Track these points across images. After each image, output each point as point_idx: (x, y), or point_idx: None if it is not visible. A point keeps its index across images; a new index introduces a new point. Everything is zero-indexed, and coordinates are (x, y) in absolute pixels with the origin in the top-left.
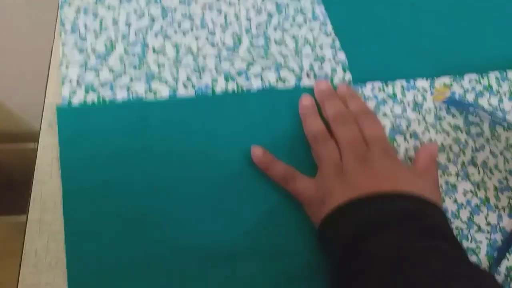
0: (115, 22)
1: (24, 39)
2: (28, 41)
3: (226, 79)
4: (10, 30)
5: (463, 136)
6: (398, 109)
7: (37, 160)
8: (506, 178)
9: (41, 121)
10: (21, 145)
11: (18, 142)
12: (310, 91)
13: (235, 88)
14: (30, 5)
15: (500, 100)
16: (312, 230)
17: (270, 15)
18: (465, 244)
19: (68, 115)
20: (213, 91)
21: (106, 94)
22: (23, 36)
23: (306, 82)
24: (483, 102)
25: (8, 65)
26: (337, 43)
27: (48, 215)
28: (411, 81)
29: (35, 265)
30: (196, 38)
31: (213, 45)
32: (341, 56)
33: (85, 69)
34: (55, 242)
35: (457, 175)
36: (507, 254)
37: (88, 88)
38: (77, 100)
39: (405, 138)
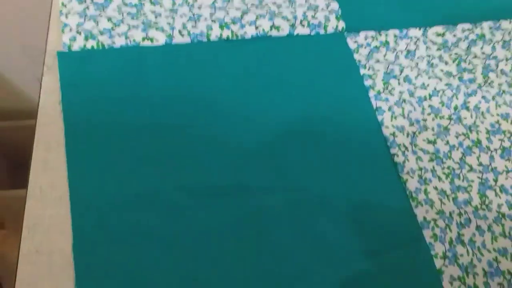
0: None
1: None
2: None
3: (221, 27)
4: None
5: (455, 82)
6: (391, 56)
7: (39, 104)
8: (498, 122)
9: (43, 68)
10: (22, 122)
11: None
12: (305, 39)
13: (230, 35)
14: None
15: (493, 48)
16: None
17: None
18: (457, 182)
19: (69, 59)
20: (208, 38)
21: (105, 41)
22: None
23: (300, 30)
24: (476, 50)
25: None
26: None
27: (52, 154)
28: (404, 30)
29: (40, 199)
30: None
31: None
32: (334, 5)
33: (85, 19)
34: (58, 179)
35: (450, 118)
36: (498, 192)
37: (88, 36)
38: (77, 46)
39: (399, 83)
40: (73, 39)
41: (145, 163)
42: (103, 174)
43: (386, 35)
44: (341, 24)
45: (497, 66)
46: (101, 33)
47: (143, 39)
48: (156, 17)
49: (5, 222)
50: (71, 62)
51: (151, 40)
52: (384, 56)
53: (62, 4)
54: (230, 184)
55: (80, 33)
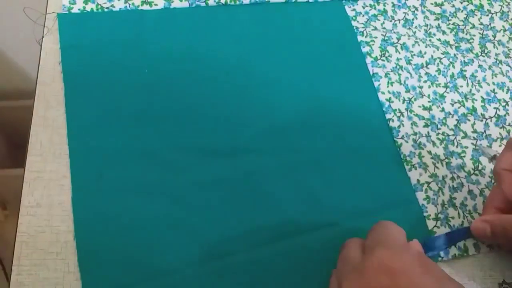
0: None
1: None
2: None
3: None
4: None
5: (452, 51)
6: (389, 25)
7: (40, 64)
8: (494, 91)
9: (43, 29)
10: (22, 102)
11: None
12: (303, 5)
13: (228, 0)
14: None
15: (491, 19)
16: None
17: None
18: (451, 148)
19: (68, 21)
20: (206, 3)
21: (105, 4)
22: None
23: None
24: (474, 21)
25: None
26: None
27: (52, 112)
28: (402, 0)
29: (40, 154)
30: None
31: None
32: None
33: None
34: (58, 136)
35: (446, 86)
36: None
37: None
38: (76, 9)
39: (396, 50)
40: (73, 1)
41: (144, 122)
42: (102, 132)
43: (385, 3)
44: None
45: (494, 36)
46: None
47: (142, 2)
48: None
49: (6, 202)
50: (70, 24)
51: (150, 4)
52: (382, 24)
53: None
54: (227, 145)
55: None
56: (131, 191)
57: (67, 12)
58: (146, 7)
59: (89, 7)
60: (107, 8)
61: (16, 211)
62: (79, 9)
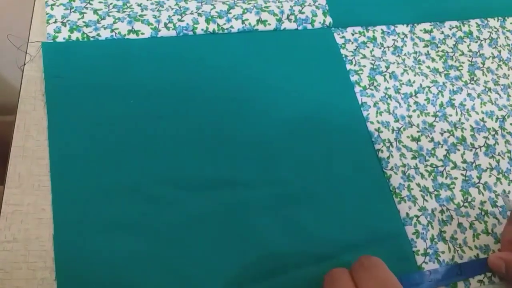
0: None
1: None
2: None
3: (207, 21)
4: None
5: (441, 79)
6: (378, 52)
7: (21, 92)
8: (483, 120)
9: (25, 56)
10: (2, 117)
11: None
12: (291, 33)
13: (216, 29)
14: None
15: (480, 46)
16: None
17: None
18: (440, 179)
19: (53, 50)
20: (194, 32)
21: (90, 33)
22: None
23: (287, 25)
24: (463, 48)
25: None
26: None
27: (31, 142)
28: (391, 27)
29: (18, 186)
30: None
31: None
32: (322, 1)
33: (70, 10)
34: (37, 167)
35: (435, 115)
36: (482, 190)
37: (73, 27)
38: (61, 38)
39: (385, 79)
40: (58, 30)
41: (129, 155)
42: (85, 165)
43: (374, 31)
44: (328, 20)
45: (483, 64)
46: (87, 25)
47: (129, 32)
48: (142, 10)
49: None
50: (55, 53)
51: (137, 33)
52: (371, 52)
53: None
54: (214, 178)
55: (65, 25)
56: (114, 227)
57: (51, 41)
58: (132, 36)
59: (75, 36)
60: (92, 37)
61: None
62: (64, 38)
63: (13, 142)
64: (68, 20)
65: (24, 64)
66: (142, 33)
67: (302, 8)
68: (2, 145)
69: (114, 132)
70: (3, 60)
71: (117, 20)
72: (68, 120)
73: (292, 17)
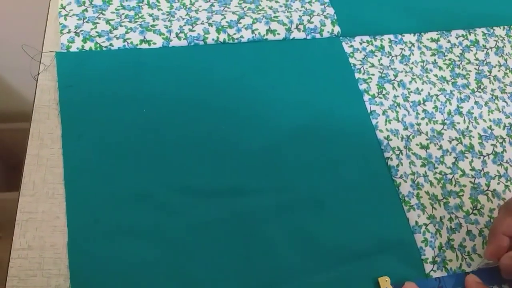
0: None
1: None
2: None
3: (218, 31)
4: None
5: (449, 87)
6: (386, 61)
7: (35, 102)
8: (490, 127)
9: (39, 66)
10: (18, 124)
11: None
12: (300, 42)
13: (226, 39)
14: None
15: (487, 54)
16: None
17: None
18: (449, 187)
19: (67, 60)
20: (204, 41)
21: (103, 43)
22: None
23: (296, 34)
24: (469, 56)
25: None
26: None
27: (46, 151)
28: (399, 36)
29: (33, 194)
30: None
31: (205, 0)
32: (330, 10)
33: (83, 21)
34: (51, 175)
35: (443, 123)
36: (490, 197)
37: (86, 37)
38: (75, 47)
39: (393, 87)
40: (72, 40)
41: (141, 163)
42: (99, 173)
43: (381, 40)
44: (337, 29)
45: (490, 72)
46: (99, 35)
47: (141, 41)
48: (153, 20)
49: (0, 225)
50: (69, 63)
51: (149, 43)
52: (379, 60)
53: (62, 6)
54: (224, 186)
55: (78, 35)
56: (126, 234)
57: (65, 50)
58: (144, 45)
59: (88, 45)
60: (105, 47)
61: (9, 233)
62: (77, 48)
63: (28, 151)
64: (81, 30)
65: (38, 74)
66: (154, 43)
67: (311, 18)
68: (16, 151)
69: (126, 141)
70: (18, 69)
71: (129, 30)
72: (81, 129)
73: (301, 27)
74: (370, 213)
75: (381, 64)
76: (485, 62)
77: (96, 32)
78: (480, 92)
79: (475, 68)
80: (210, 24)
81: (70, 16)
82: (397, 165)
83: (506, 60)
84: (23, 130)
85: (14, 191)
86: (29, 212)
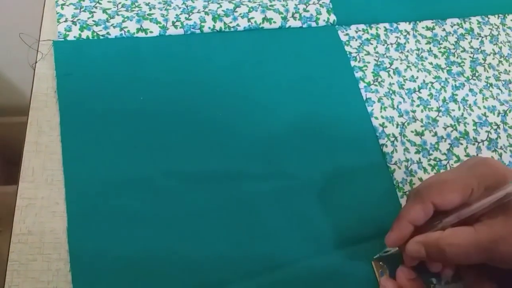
0: None
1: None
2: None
3: (214, 19)
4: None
5: (444, 75)
6: (381, 49)
7: (33, 90)
8: (485, 114)
9: (37, 55)
10: (16, 118)
11: (13, 115)
12: (296, 31)
13: (223, 27)
14: None
15: (481, 43)
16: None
17: None
18: None
19: (64, 49)
20: (201, 30)
21: (100, 32)
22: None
23: (291, 23)
24: (464, 44)
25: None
26: None
27: (44, 138)
28: (394, 24)
29: (32, 181)
30: None
31: None
32: None
33: (80, 10)
34: (50, 162)
35: (438, 110)
36: None
37: (83, 26)
38: (72, 36)
39: (389, 75)
40: (69, 29)
41: (139, 149)
42: (97, 159)
43: (377, 28)
44: (332, 17)
45: (484, 60)
46: (96, 24)
47: (138, 30)
48: (150, 9)
49: None
50: (66, 51)
51: (145, 31)
52: (375, 48)
53: None
54: (221, 171)
55: (75, 24)
56: (125, 219)
57: (62, 39)
58: (141, 34)
59: (85, 34)
60: (102, 35)
61: (9, 227)
62: (74, 37)
63: (26, 138)
64: (78, 19)
65: (36, 62)
66: (151, 32)
67: (307, 7)
68: (17, 145)
69: (124, 127)
70: (15, 60)
71: (126, 19)
72: (79, 116)
73: (297, 15)
74: (365, 199)
75: (377, 52)
76: (479, 50)
77: (93, 21)
78: (474, 79)
79: (470, 56)
80: (206, 13)
81: (67, 5)
82: (392, 152)
83: (500, 48)
84: (20, 124)
85: (12, 185)
86: (29, 198)
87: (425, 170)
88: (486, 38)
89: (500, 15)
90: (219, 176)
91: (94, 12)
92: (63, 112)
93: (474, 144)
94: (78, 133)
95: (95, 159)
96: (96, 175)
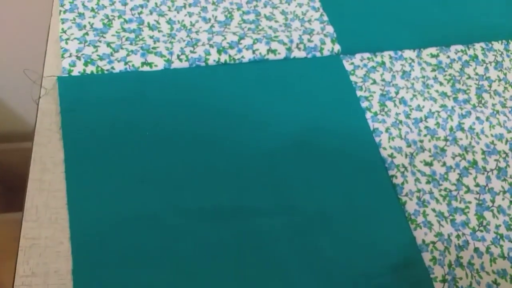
0: (111, 1)
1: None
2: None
3: (219, 52)
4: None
5: (450, 103)
6: (388, 76)
7: (36, 126)
8: (493, 143)
9: (40, 90)
10: (18, 144)
11: (14, 141)
12: (301, 62)
13: (227, 59)
14: None
15: (486, 69)
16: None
17: None
18: (455, 204)
19: (69, 84)
20: (206, 63)
21: (105, 66)
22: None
23: (296, 53)
24: (469, 71)
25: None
26: (325, 17)
27: (48, 175)
28: (399, 52)
29: (36, 220)
30: (190, 15)
31: (205, 21)
32: (330, 29)
33: (84, 44)
34: (54, 199)
35: (446, 139)
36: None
37: (87, 61)
38: (76, 71)
39: (395, 104)
40: (73, 64)
41: (145, 185)
42: (103, 196)
43: (382, 56)
44: (337, 47)
45: (490, 86)
46: (101, 58)
47: (142, 64)
48: (154, 42)
49: None
50: (71, 87)
51: (150, 65)
52: (382, 75)
53: (62, 30)
54: (229, 206)
55: (80, 59)
56: (132, 258)
57: (67, 75)
58: (146, 68)
59: (89, 69)
60: (107, 70)
61: (10, 254)
62: (79, 72)
63: (30, 175)
64: (82, 54)
65: (39, 98)
66: (156, 65)
67: (311, 37)
68: (19, 171)
69: (130, 164)
70: (20, 92)
71: (130, 53)
72: (84, 153)
73: (301, 46)
74: (376, 232)
75: (383, 80)
76: (485, 76)
77: (98, 55)
78: (481, 107)
79: (475, 83)
80: (211, 46)
81: (71, 40)
82: (402, 183)
83: (505, 74)
84: (21, 150)
85: (13, 212)
86: (33, 238)
87: (437, 200)
88: (490, 65)
89: (503, 40)
90: (227, 211)
91: (99, 46)
92: (67, 149)
93: (483, 174)
94: (82, 170)
95: (100, 197)
96: (102, 213)
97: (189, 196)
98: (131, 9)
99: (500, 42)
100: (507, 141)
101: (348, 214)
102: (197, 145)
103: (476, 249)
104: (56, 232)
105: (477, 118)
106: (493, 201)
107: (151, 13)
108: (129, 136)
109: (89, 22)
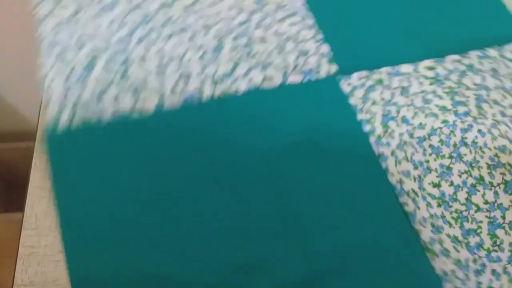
0: (94, 35)
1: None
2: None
3: (213, 84)
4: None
5: (451, 117)
6: (387, 94)
7: (37, 133)
8: (496, 155)
9: (38, 119)
10: (19, 144)
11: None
12: (297, 87)
13: (222, 92)
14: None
15: (483, 78)
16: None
17: (251, 13)
18: (467, 225)
19: (56, 140)
20: (200, 97)
21: (93, 108)
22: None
23: (292, 78)
24: (466, 81)
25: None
26: (320, 36)
27: (48, 183)
28: (395, 68)
29: (35, 228)
30: (179, 43)
31: (196, 48)
32: (325, 48)
33: (69, 86)
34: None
35: (451, 156)
36: (508, 230)
37: (75, 106)
38: (65, 117)
39: (397, 124)
40: (60, 111)
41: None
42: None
43: (380, 73)
44: (334, 68)
45: (488, 95)
46: (89, 100)
47: (135, 101)
48: (145, 76)
49: None
50: (59, 142)
51: (143, 102)
52: (381, 94)
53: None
54: (243, 260)
55: (66, 105)
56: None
57: (54, 123)
58: (138, 105)
59: (76, 121)
60: (95, 112)
61: (9, 255)
62: (67, 118)
63: (30, 182)
64: (68, 98)
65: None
66: (146, 110)
67: (307, 59)
68: (17, 171)
69: (123, 216)
70: (21, 92)
71: (120, 91)
72: (76, 215)
73: (297, 70)
74: (394, 266)
75: (383, 99)
76: (482, 86)
77: (84, 96)
78: (481, 118)
79: (474, 94)
80: (204, 77)
81: (56, 82)
82: (414, 210)
83: (502, 82)
84: (20, 150)
85: (13, 212)
86: (31, 246)
87: (450, 224)
88: (487, 73)
89: (497, 46)
90: (240, 267)
91: (85, 86)
92: (61, 211)
93: (491, 189)
94: (76, 230)
95: (99, 256)
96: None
97: (189, 249)
98: (117, 42)
99: (495, 48)
100: (510, 152)
101: (360, 252)
102: (194, 189)
103: (493, 271)
104: (55, 240)
105: (479, 131)
106: (503, 217)
107: (138, 43)
108: (121, 187)
109: (72, 59)
